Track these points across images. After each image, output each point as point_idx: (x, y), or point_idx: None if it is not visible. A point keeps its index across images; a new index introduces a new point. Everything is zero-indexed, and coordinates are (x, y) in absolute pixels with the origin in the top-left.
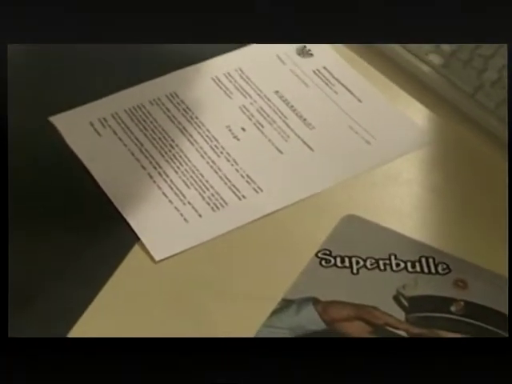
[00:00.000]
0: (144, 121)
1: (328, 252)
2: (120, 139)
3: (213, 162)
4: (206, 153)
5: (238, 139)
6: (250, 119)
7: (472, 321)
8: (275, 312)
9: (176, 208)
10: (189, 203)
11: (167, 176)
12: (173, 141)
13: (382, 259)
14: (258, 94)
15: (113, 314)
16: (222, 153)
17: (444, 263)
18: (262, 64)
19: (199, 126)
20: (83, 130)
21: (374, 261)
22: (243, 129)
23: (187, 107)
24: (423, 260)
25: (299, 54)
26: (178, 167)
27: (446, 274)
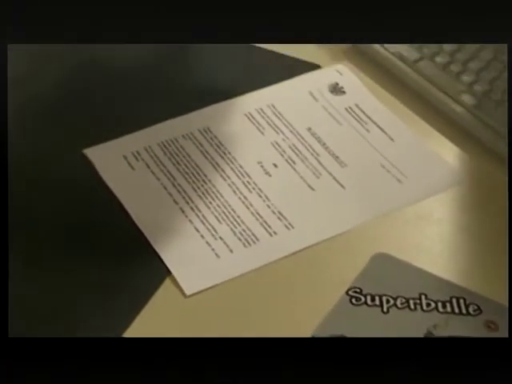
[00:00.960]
0: (177, 155)
1: (358, 290)
2: (153, 173)
3: (245, 197)
4: (238, 188)
5: (270, 175)
6: (282, 155)
7: None
8: None
9: (207, 243)
10: (220, 238)
11: (199, 211)
12: (205, 175)
13: (413, 298)
14: (291, 131)
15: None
16: (253, 188)
17: (475, 304)
18: (294, 100)
19: (231, 162)
20: (117, 163)
21: (404, 300)
22: (275, 165)
23: (220, 142)
24: (454, 300)
25: (332, 92)
26: (210, 202)
27: (477, 315)
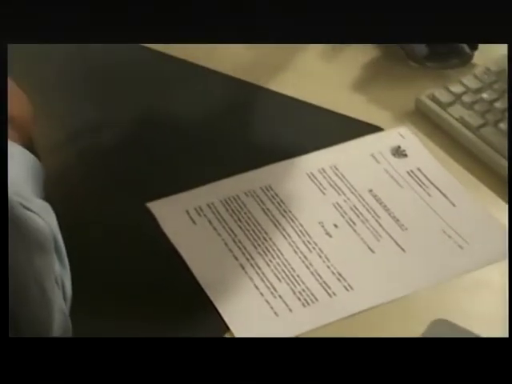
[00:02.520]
0: (239, 212)
1: None
2: (214, 229)
3: (305, 257)
4: (298, 247)
5: (331, 236)
6: (343, 216)
7: None
8: None
9: (267, 301)
10: (280, 297)
11: (259, 268)
12: (266, 233)
13: None
14: (352, 192)
15: None
16: (314, 248)
17: None
18: (356, 162)
19: (293, 220)
20: (179, 217)
21: None
22: (336, 225)
23: (281, 201)
24: None
25: (394, 154)
26: (271, 260)
27: None
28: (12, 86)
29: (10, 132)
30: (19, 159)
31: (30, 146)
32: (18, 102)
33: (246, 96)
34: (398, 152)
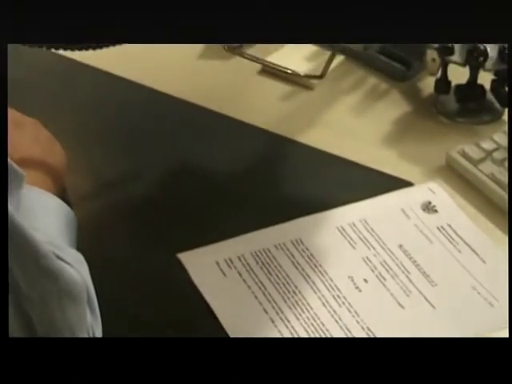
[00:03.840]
0: (268, 264)
1: None
2: (244, 281)
3: (334, 311)
4: (327, 301)
5: (360, 290)
6: (373, 271)
7: None
8: None
9: None
10: None
11: (288, 321)
12: (296, 287)
13: None
14: (382, 247)
15: None
16: (343, 303)
17: None
18: (386, 217)
19: (322, 274)
20: (209, 269)
21: None
22: (365, 280)
23: (311, 254)
24: None
25: (424, 210)
26: (300, 314)
27: None
28: (47, 135)
29: (45, 180)
30: (53, 208)
31: (62, 194)
32: (52, 151)
33: (278, 149)
34: (429, 207)
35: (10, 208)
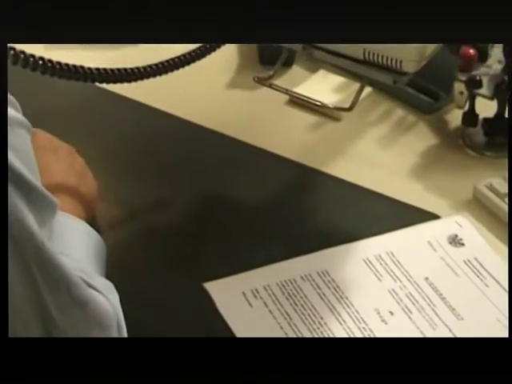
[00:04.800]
0: (294, 295)
1: None
2: (270, 312)
3: None
4: (353, 333)
5: (386, 323)
6: (399, 304)
7: None
8: None
9: None
10: None
11: None
12: (321, 318)
13: None
14: (408, 279)
15: None
16: (369, 335)
17: None
18: (413, 249)
19: (348, 306)
20: (236, 299)
21: None
22: (391, 313)
23: (337, 286)
24: None
25: (451, 243)
26: None
27: None
28: (81, 163)
29: (76, 207)
30: (83, 235)
31: (93, 222)
32: (85, 179)
33: (305, 179)
34: (455, 241)
35: (43, 236)
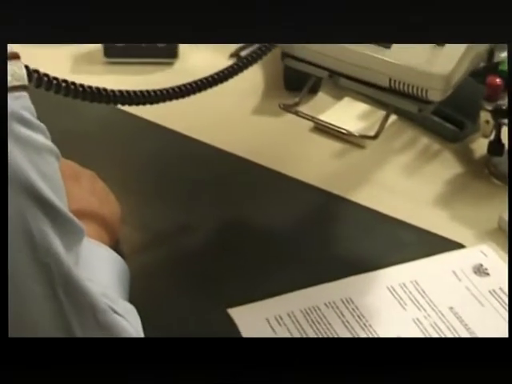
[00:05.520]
0: (318, 323)
1: None
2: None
3: None
4: None
5: None
6: (423, 333)
7: None
8: None
9: None
10: None
11: None
12: None
13: None
14: (433, 308)
15: None
16: None
17: None
18: (437, 278)
19: (372, 334)
20: (259, 325)
21: None
22: None
23: (361, 314)
24: None
25: (475, 273)
26: None
27: None
28: (103, 188)
29: (99, 232)
30: (107, 260)
31: (116, 246)
32: (107, 203)
33: (329, 206)
34: (480, 270)
35: (70, 262)
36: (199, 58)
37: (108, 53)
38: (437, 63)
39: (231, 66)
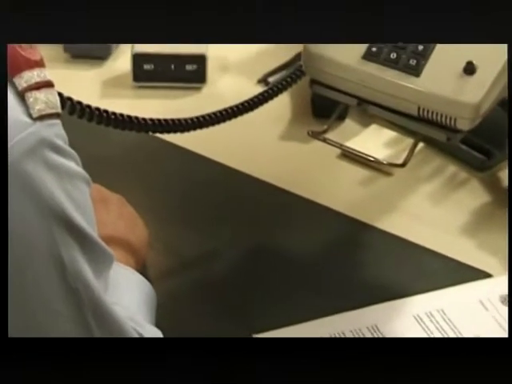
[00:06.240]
0: None
1: None
2: None
3: None
4: None
5: None
6: None
7: None
8: None
9: None
10: None
11: None
12: None
13: None
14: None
15: None
16: None
17: None
18: (464, 307)
19: None
20: None
21: None
22: None
23: None
24: None
25: (502, 302)
26: None
27: None
28: (131, 212)
29: (127, 256)
30: (134, 284)
31: (143, 270)
32: (135, 228)
33: (355, 233)
34: (507, 300)
35: (99, 288)
36: (227, 84)
37: (137, 77)
38: (466, 92)
39: (261, 94)
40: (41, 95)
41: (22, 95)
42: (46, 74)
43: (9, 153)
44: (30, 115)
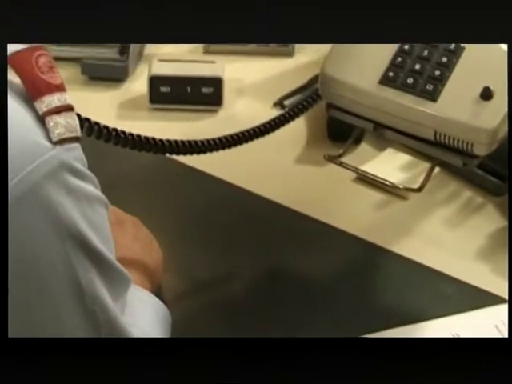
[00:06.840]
0: None
1: None
2: None
3: None
4: None
5: None
6: None
7: None
8: None
9: None
10: None
11: None
12: None
13: None
14: None
15: None
16: None
17: None
18: (479, 332)
19: None
20: None
21: None
22: None
23: None
24: None
25: None
26: None
27: None
28: (146, 234)
29: (142, 278)
30: (149, 306)
31: (158, 292)
32: (150, 250)
33: (370, 257)
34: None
35: (116, 311)
36: (243, 106)
37: (153, 99)
38: (483, 117)
39: (278, 117)
40: (61, 119)
41: (42, 119)
42: (67, 97)
43: (29, 176)
44: (49, 139)
